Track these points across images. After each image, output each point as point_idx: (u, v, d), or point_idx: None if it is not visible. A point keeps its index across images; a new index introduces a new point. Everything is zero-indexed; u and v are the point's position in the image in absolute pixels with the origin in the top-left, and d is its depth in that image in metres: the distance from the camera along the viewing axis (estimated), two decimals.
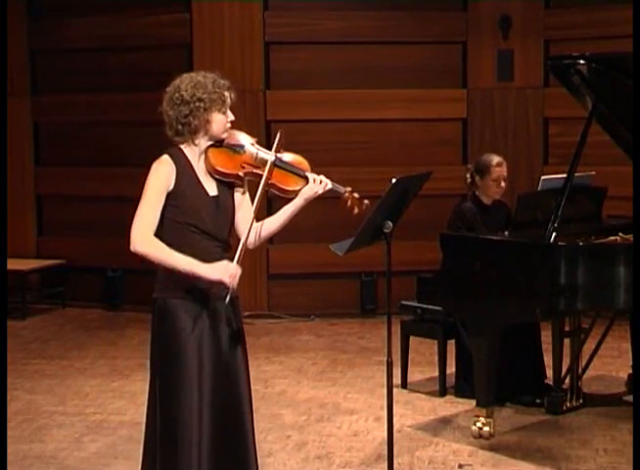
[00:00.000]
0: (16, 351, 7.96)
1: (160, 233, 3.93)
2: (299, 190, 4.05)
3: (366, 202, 4.14)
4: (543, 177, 6.23)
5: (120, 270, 9.59)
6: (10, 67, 9.83)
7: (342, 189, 4.11)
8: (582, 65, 5.74)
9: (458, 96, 9.32)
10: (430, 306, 6.57)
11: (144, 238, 3.87)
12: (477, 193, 6.59)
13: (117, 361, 7.74)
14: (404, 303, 6.85)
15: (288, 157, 4.07)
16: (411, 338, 6.93)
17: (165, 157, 3.96)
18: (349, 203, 4.10)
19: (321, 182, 4.05)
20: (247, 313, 8.80)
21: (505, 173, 6.56)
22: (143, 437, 4.06)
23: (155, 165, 3.95)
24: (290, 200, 4.09)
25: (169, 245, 3.89)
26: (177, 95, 3.95)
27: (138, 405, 6.48)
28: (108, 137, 9.74)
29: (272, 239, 9.20)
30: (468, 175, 6.58)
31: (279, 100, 9.07)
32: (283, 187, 4.03)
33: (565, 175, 5.76)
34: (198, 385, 3.91)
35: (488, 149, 9.16)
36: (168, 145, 4.03)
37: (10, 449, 5.43)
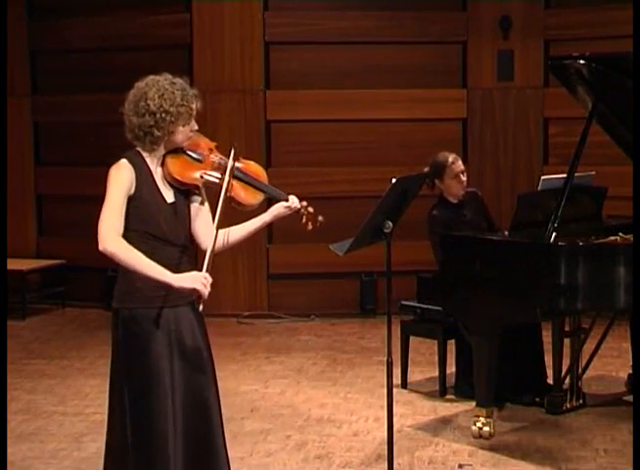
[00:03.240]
0: (16, 351, 7.96)
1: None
2: (256, 204, 3.97)
3: (320, 218, 4.04)
4: (543, 177, 6.22)
5: None
6: (10, 67, 9.83)
7: (300, 207, 4.02)
8: (582, 65, 5.74)
9: (458, 96, 9.32)
10: (430, 306, 6.57)
11: (113, 238, 3.80)
12: (443, 195, 6.58)
13: None
14: (404, 303, 6.85)
15: (247, 166, 3.99)
16: (411, 338, 6.92)
17: (124, 161, 3.86)
18: (304, 219, 4.03)
19: (293, 203, 4.00)
20: (247, 313, 8.81)
21: (462, 167, 6.55)
22: (105, 445, 3.97)
23: (114, 170, 3.86)
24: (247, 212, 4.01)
25: None
26: (143, 104, 3.84)
27: None
28: (108, 137, 9.70)
29: (272, 239, 9.23)
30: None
31: (279, 100, 9.05)
32: (240, 201, 3.95)
33: (565, 175, 5.76)
34: (170, 391, 3.84)
35: (488, 149, 9.21)
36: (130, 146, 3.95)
37: (10, 449, 5.43)
